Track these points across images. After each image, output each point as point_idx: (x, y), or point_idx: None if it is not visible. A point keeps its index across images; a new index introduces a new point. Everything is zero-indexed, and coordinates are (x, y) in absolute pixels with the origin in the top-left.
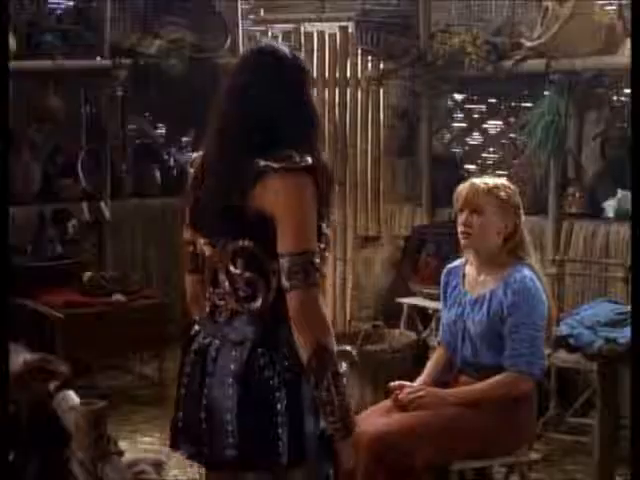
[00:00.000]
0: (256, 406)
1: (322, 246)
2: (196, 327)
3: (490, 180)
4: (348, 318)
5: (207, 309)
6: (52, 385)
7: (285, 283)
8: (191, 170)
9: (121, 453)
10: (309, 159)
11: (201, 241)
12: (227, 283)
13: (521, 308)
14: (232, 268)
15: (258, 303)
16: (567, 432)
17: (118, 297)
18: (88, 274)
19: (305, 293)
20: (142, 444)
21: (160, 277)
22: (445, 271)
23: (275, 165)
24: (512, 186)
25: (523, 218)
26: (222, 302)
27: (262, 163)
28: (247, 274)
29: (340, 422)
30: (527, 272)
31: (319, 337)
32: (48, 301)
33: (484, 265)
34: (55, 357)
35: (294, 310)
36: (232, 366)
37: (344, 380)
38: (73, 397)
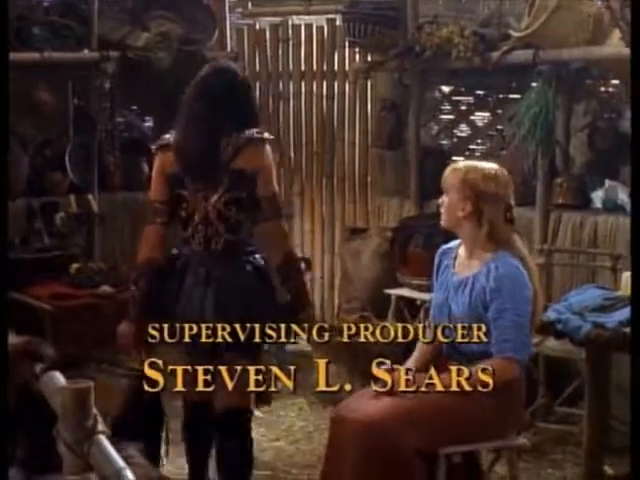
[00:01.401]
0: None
1: None
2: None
3: (467, 163)
4: (336, 310)
5: (199, 242)
6: (38, 367)
7: (264, 215)
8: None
9: (107, 433)
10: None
11: (190, 196)
12: (221, 222)
13: (504, 294)
14: (227, 212)
15: (244, 233)
16: (556, 422)
17: (106, 288)
18: (76, 266)
19: (276, 221)
20: None
21: None
22: (439, 251)
23: (261, 136)
24: (489, 171)
25: (505, 205)
26: (216, 235)
27: (250, 135)
28: (239, 215)
29: (300, 304)
30: (510, 258)
31: (286, 249)
32: (36, 293)
33: (470, 248)
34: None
35: (269, 233)
36: (234, 275)
37: (303, 276)
38: (60, 378)
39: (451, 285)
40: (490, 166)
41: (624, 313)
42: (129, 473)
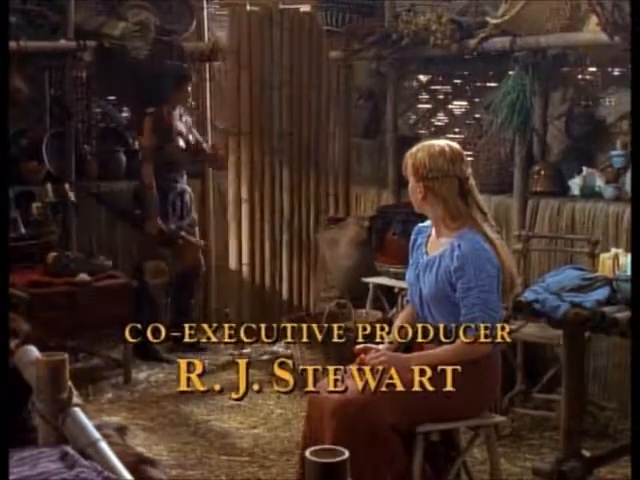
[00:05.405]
0: None
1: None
2: None
3: (418, 145)
4: (314, 299)
5: None
6: (13, 343)
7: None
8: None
9: (81, 406)
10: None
11: None
12: None
13: (467, 272)
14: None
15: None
16: (534, 408)
17: (83, 276)
18: (53, 254)
19: (143, 162)
20: None
21: (124, 259)
22: (415, 229)
23: (150, 110)
24: (435, 148)
25: (459, 180)
26: None
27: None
28: None
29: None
30: (472, 235)
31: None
32: (12, 281)
33: (437, 229)
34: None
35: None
36: None
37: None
38: (34, 352)
39: (421, 265)
40: (438, 143)
41: (602, 293)
42: (104, 444)
